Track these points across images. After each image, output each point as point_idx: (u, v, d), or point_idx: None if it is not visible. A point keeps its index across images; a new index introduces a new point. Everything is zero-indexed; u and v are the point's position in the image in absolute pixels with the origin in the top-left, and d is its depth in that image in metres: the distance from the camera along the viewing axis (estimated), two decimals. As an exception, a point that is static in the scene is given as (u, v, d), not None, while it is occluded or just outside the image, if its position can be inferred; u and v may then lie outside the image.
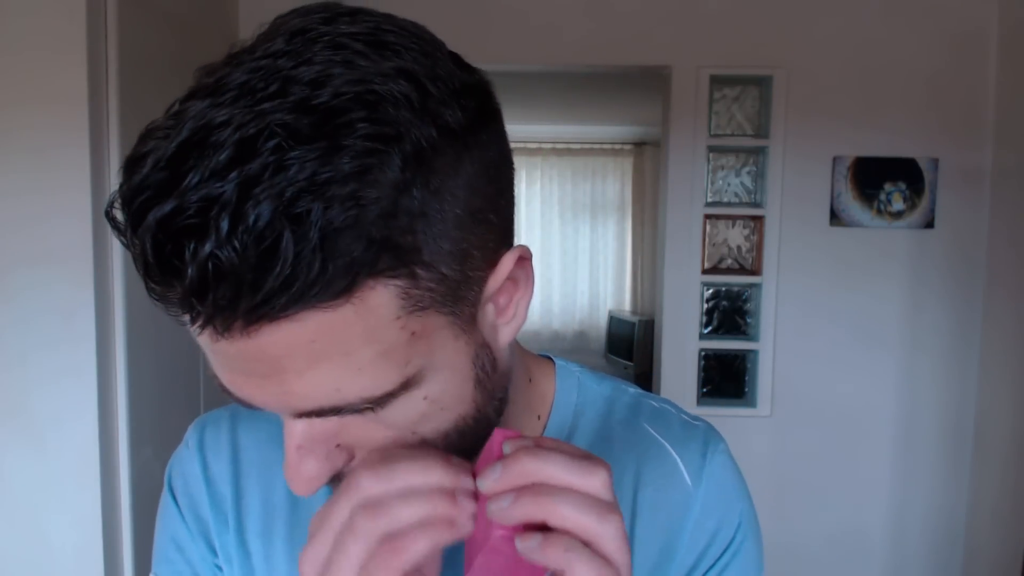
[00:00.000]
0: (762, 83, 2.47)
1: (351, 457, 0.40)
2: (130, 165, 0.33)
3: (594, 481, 0.35)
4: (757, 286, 2.51)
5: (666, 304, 2.53)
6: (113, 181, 1.61)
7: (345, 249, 0.32)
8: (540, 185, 6.60)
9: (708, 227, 2.49)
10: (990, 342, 2.45)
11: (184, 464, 0.56)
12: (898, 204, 2.47)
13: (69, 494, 1.60)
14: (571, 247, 6.65)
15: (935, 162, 2.45)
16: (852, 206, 2.46)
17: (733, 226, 2.51)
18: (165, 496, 0.56)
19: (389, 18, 0.38)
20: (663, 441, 0.56)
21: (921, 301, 2.50)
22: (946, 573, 2.57)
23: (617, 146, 6.44)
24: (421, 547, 0.35)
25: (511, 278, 0.42)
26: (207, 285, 0.31)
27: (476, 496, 0.37)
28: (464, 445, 0.42)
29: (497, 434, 0.38)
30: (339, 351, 0.34)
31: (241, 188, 0.30)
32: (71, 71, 1.54)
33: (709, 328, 2.55)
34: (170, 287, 0.32)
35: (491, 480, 0.36)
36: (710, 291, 2.54)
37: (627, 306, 6.68)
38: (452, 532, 0.36)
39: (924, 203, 2.46)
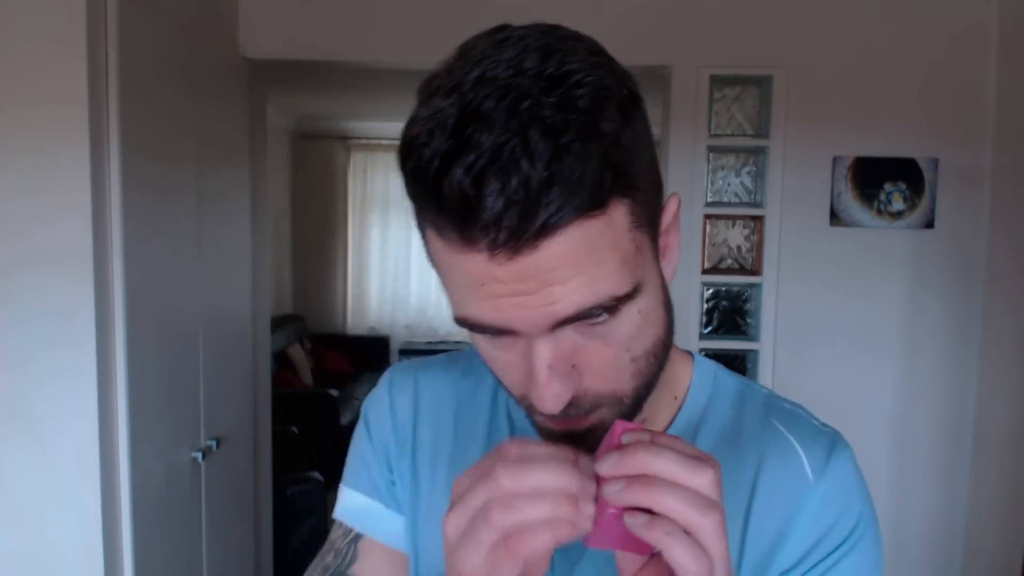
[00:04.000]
0: (762, 83, 2.47)
1: (581, 381, 0.47)
2: (421, 137, 0.42)
3: (701, 479, 0.40)
4: (757, 286, 2.51)
5: (666, 304, 2.53)
6: (113, 180, 1.62)
7: (597, 170, 0.41)
8: (540, 185, 6.60)
9: (708, 227, 2.49)
10: (990, 342, 2.45)
11: (376, 401, 0.68)
12: (898, 204, 2.47)
13: (69, 494, 1.60)
14: (571, 247, 6.66)
15: (935, 162, 2.45)
16: (852, 206, 2.46)
17: (733, 226, 2.51)
18: (359, 425, 0.69)
19: (560, 27, 0.50)
20: (790, 437, 0.60)
21: (921, 301, 2.50)
22: (945, 573, 2.57)
23: (617, 146, 6.45)
24: (541, 543, 0.40)
25: (673, 221, 0.51)
26: (507, 211, 0.40)
27: (598, 485, 0.42)
28: (653, 372, 0.51)
29: (618, 425, 0.43)
30: (594, 259, 0.43)
31: (520, 136, 0.39)
32: (71, 71, 1.54)
33: (709, 328, 2.55)
34: (475, 221, 0.40)
35: (607, 466, 0.41)
36: (710, 291, 2.54)
37: (627, 306, 6.68)
38: (572, 532, 0.40)
39: (924, 203, 2.46)
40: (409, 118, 0.44)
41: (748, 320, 2.55)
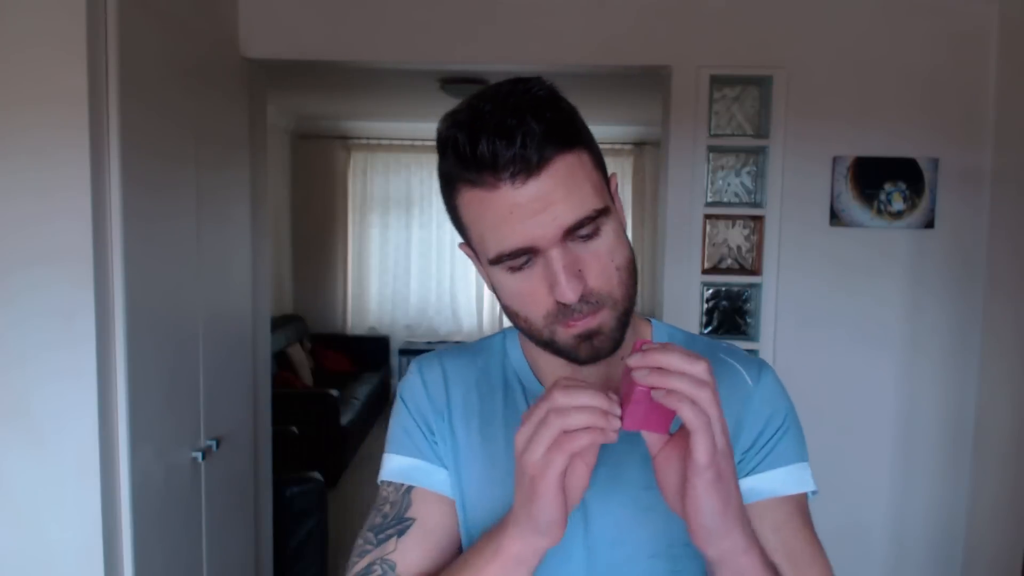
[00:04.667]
0: (762, 83, 2.47)
1: (586, 283, 0.67)
2: (453, 130, 0.68)
3: (697, 367, 0.58)
4: (757, 286, 2.51)
5: (666, 304, 2.53)
6: (113, 180, 1.62)
7: (567, 125, 0.67)
8: (540, 185, 6.59)
9: (708, 227, 2.49)
10: (990, 342, 2.45)
11: (411, 384, 0.84)
12: (898, 204, 2.47)
13: (69, 494, 1.60)
14: (571, 247, 6.65)
15: (935, 162, 2.45)
16: (852, 206, 2.46)
17: (733, 226, 2.51)
18: (397, 405, 0.85)
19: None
20: (732, 361, 0.83)
21: (921, 301, 2.50)
22: (946, 572, 2.57)
23: (617, 146, 6.44)
24: (584, 441, 0.58)
25: (615, 194, 0.74)
26: (518, 154, 0.64)
27: (621, 401, 0.61)
28: (632, 286, 0.71)
29: (638, 341, 0.61)
30: (576, 184, 0.66)
31: (516, 115, 0.64)
32: (71, 71, 1.54)
33: (709, 328, 2.55)
34: (500, 166, 0.64)
35: (635, 359, 0.60)
36: (710, 291, 2.54)
37: (627, 306, 6.67)
38: (603, 436, 0.59)
39: (924, 203, 2.46)
40: (441, 127, 0.70)
41: (748, 320, 2.55)
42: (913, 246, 2.48)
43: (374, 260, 6.66)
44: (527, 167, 0.64)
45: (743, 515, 0.64)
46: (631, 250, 0.72)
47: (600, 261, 0.68)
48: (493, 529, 0.68)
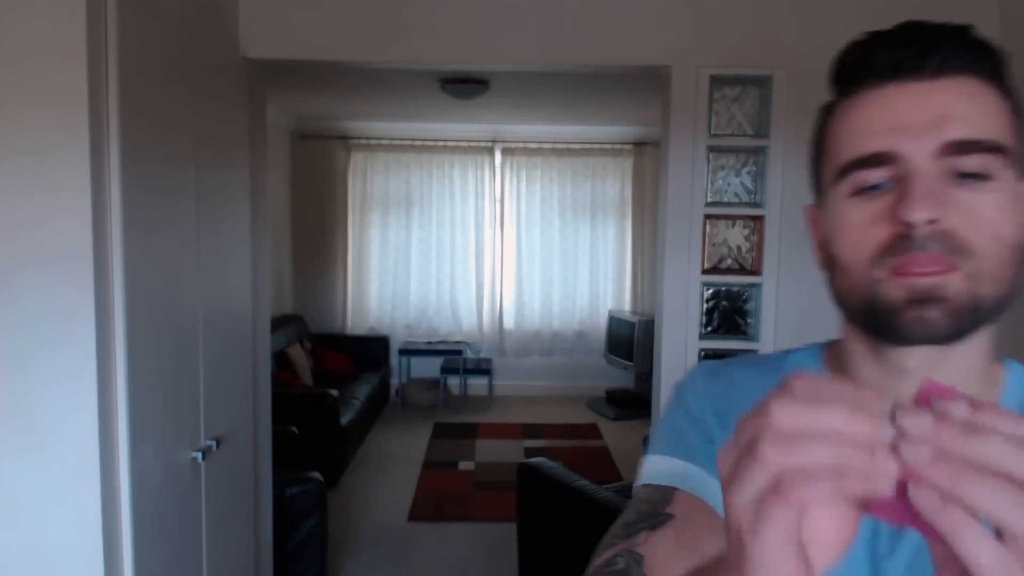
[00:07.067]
0: (762, 83, 2.47)
1: (950, 219, 0.51)
2: (855, 46, 0.58)
3: None
4: (757, 286, 2.51)
5: (666, 304, 2.53)
6: (113, 181, 1.62)
7: (1003, 67, 0.56)
8: (540, 185, 6.59)
9: (708, 227, 2.49)
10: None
11: (694, 386, 0.73)
12: (898, 204, 2.47)
13: (69, 494, 1.60)
14: (571, 247, 6.65)
15: (935, 162, 2.45)
16: (852, 206, 2.46)
17: (733, 226, 2.51)
18: (672, 406, 0.74)
19: None
20: None
21: (921, 301, 2.50)
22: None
23: (617, 146, 6.44)
24: (821, 493, 0.33)
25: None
26: (929, 50, 0.54)
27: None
28: (1007, 278, 0.53)
29: (926, 383, 0.34)
30: (981, 109, 0.53)
31: (957, 30, 0.55)
32: (71, 73, 1.54)
33: (709, 328, 2.55)
34: (897, 56, 0.54)
35: (915, 424, 0.32)
36: (710, 291, 2.54)
37: (627, 306, 6.68)
38: (864, 485, 0.33)
39: (924, 203, 2.46)
40: (839, 57, 0.59)
41: (748, 320, 2.55)
42: (913, 246, 2.48)
43: (374, 260, 6.66)
44: (922, 66, 0.53)
45: None
46: (1017, 243, 0.54)
47: (979, 213, 0.51)
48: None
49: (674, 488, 0.66)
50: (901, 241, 0.51)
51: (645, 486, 0.69)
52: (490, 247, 6.70)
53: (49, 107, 1.54)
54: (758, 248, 2.49)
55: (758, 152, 2.49)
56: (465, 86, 4.41)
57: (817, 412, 0.33)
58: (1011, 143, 0.53)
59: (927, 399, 0.34)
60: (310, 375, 5.50)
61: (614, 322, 6.43)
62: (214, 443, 2.10)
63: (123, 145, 1.63)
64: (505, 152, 6.59)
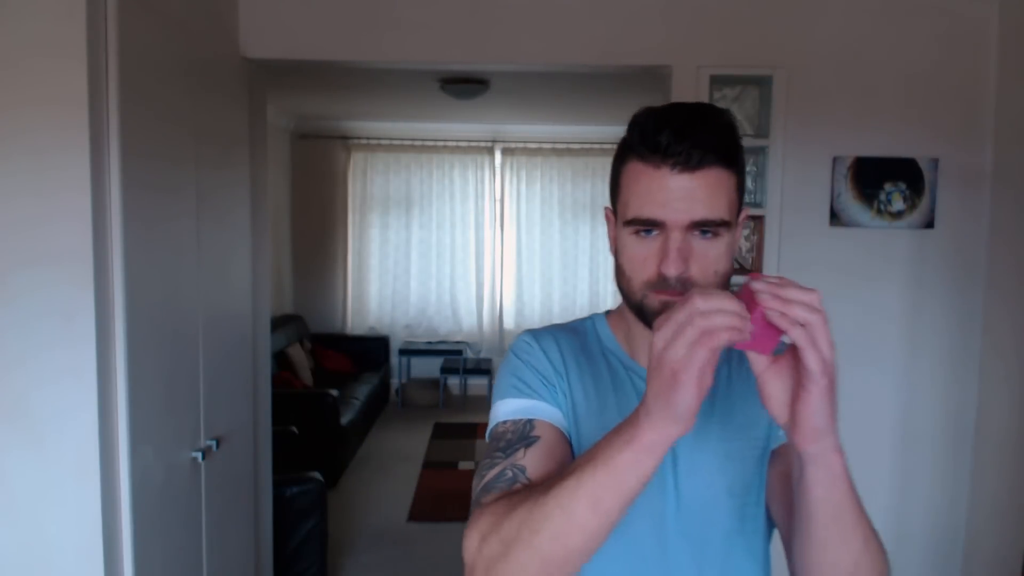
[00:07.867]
0: (762, 83, 2.47)
1: (688, 270, 0.82)
2: (644, 120, 0.84)
3: (810, 296, 0.66)
4: (757, 286, 2.50)
5: (666, 304, 2.53)
6: (113, 181, 1.62)
7: (738, 152, 0.85)
8: (540, 185, 6.59)
9: (708, 227, 2.49)
10: (990, 342, 2.45)
11: (527, 347, 0.97)
12: (898, 204, 2.47)
13: (69, 494, 1.60)
14: (571, 247, 6.65)
15: (935, 162, 2.45)
16: (852, 206, 2.46)
17: (733, 226, 2.51)
18: (511, 360, 0.97)
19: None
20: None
21: (921, 301, 2.50)
22: (946, 572, 2.57)
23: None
24: (723, 339, 0.65)
25: (741, 223, 0.89)
26: (693, 149, 0.80)
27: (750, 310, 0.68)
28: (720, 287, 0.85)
29: (752, 275, 0.71)
30: (718, 194, 0.82)
31: (713, 125, 0.83)
32: (71, 73, 1.54)
33: (709, 328, 2.55)
34: (672, 148, 0.80)
35: (760, 284, 0.68)
36: (710, 291, 2.54)
37: (627, 306, 6.67)
38: (740, 335, 0.66)
39: (924, 203, 2.46)
40: (638, 111, 0.86)
41: (748, 320, 2.55)
42: (913, 246, 2.48)
43: (374, 260, 6.66)
44: (688, 163, 0.80)
45: (836, 421, 0.78)
46: (732, 270, 0.87)
47: (706, 260, 0.83)
48: (621, 425, 0.74)
49: (531, 419, 0.90)
50: (661, 280, 0.83)
51: (503, 422, 0.91)
52: (490, 247, 6.70)
53: (49, 107, 1.54)
54: (758, 248, 2.49)
55: (758, 152, 2.49)
56: (465, 86, 4.41)
57: (718, 299, 0.66)
58: (732, 215, 0.84)
59: (756, 276, 0.69)
60: (310, 375, 5.50)
61: (614, 322, 6.42)
62: (214, 443, 2.10)
63: (123, 145, 1.63)
64: (505, 152, 6.59)
